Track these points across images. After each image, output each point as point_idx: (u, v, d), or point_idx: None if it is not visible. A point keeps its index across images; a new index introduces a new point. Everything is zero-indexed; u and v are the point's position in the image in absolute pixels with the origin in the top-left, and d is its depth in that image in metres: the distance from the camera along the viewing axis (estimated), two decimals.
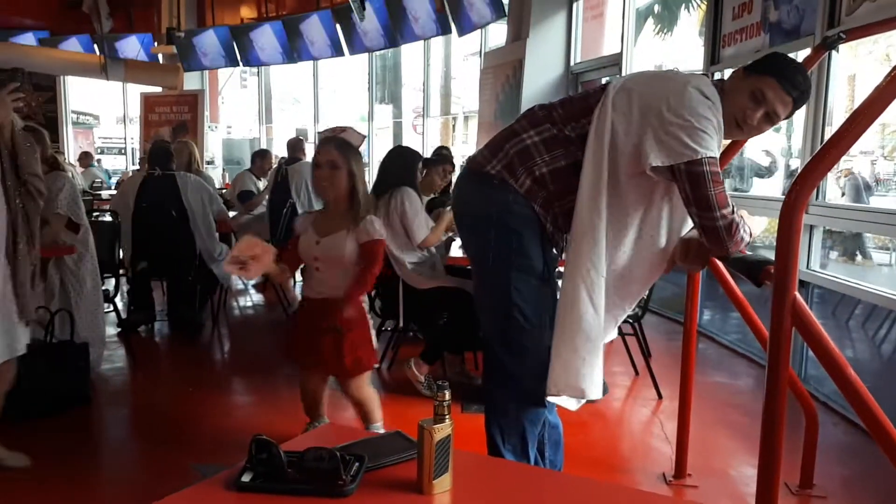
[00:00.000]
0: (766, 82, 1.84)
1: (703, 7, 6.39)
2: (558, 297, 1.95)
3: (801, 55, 3.53)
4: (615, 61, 6.04)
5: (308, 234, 2.51)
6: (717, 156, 1.80)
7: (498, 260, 1.95)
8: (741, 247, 1.85)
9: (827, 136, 3.36)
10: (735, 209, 1.83)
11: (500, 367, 2.00)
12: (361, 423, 2.65)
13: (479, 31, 7.84)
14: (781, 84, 1.83)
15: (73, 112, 12.72)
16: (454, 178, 7.43)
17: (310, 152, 6.99)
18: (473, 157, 2.08)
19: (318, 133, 2.66)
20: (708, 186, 1.76)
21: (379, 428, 2.56)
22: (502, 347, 1.97)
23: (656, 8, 13.16)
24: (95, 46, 10.23)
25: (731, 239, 1.81)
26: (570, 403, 2.02)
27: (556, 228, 1.95)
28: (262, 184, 6.29)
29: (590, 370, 1.90)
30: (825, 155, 1.60)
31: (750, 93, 1.85)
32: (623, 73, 5.94)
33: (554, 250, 2.01)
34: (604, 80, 7.06)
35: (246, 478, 1.22)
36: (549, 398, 1.97)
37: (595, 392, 1.93)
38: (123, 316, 4.70)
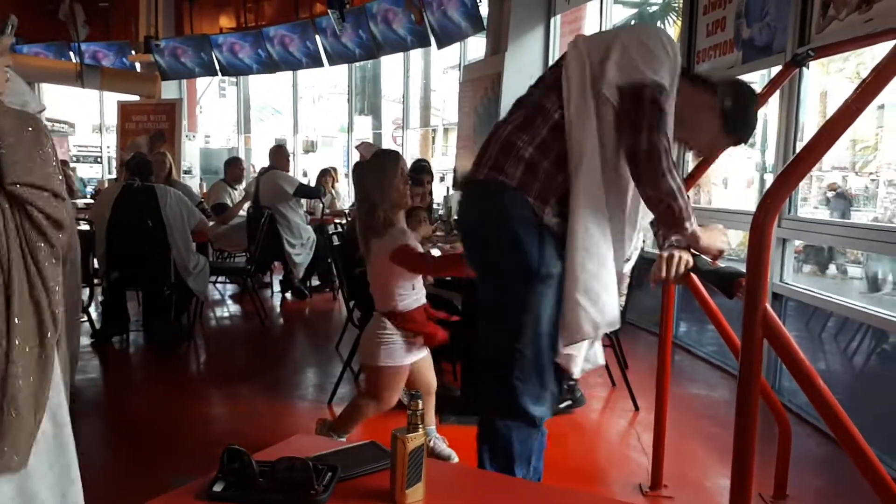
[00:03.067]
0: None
1: (679, 24, 6.50)
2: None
3: (774, 72, 3.60)
4: None
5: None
6: (666, 86, 1.78)
7: (498, 268, 1.90)
8: (682, 216, 1.78)
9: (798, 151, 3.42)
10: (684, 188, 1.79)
11: (496, 382, 1.93)
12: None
13: (458, 44, 7.90)
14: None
15: (48, 120, 12.56)
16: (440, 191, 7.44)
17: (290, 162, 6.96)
18: (464, 173, 2.07)
19: (362, 146, 2.67)
20: (643, 107, 1.74)
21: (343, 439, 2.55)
22: (502, 361, 1.90)
23: (633, 23, 13.37)
24: (71, 54, 10.13)
25: (663, 177, 1.73)
26: (577, 368, 1.98)
27: (557, 220, 1.85)
28: (237, 193, 6.26)
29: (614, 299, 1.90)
30: (794, 168, 1.63)
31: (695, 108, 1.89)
32: None
33: (557, 251, 1.91)
34: None
35: (218, 487, 1.21)
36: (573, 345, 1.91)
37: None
38: (98, 326, 4.64)
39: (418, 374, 2.55)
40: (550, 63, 7.02)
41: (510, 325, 1.87)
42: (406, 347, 2.43)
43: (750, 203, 5.58)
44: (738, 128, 1.93)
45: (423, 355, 2.54)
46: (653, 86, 1.75)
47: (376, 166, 2.45)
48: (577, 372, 1.98)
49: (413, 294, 2.45)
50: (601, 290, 1.85)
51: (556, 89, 1.86)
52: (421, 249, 2.49)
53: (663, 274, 1.88)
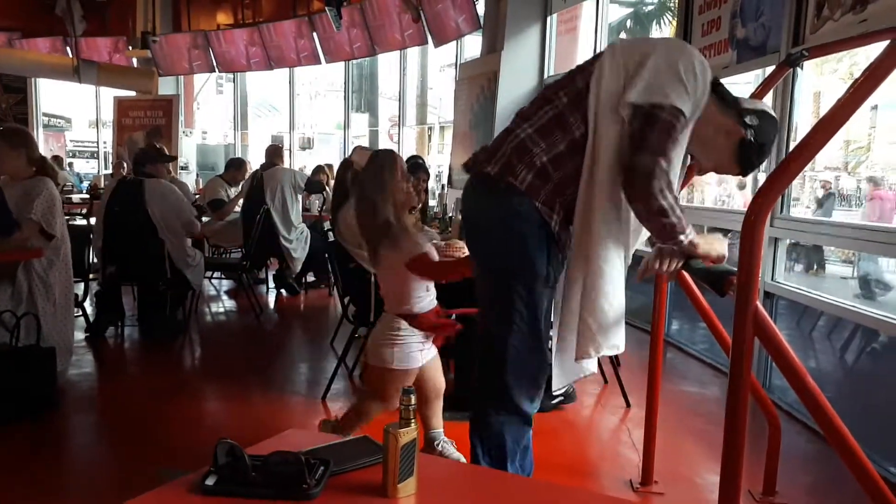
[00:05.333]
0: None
1: (674, 23, 6.52)
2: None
3: (767, 71, 3.62)
4: None
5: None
6: (685, 113, 1.79)
7: (502, 266, 1.91)
8: (675, 231, 1.78)
9: None
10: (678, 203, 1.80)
11: (492, 379, 1.94)
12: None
13: (454, 42, 7.91)
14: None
15: (45, 115, 12.53)
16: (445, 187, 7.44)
17: (287, 160, 6.98)
18: (475, 158, 2.01)
19: (361, 150, 2.61)
20: (654, 129, 1.73)
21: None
22: (499, 358, 1.91)
23: (628, 23, 13.40)
24: (68, 49, 10.11)
25: (653, 197, 1.72)
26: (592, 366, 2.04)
27: (562, 228, 1.88)
28: (233, 191, 6.27)
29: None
30: (786, 168, 1.64)
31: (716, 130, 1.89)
32: None
33: (560, 255, 1.94)
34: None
35: (210, 481, 1.21)
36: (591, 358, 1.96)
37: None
38: (92, 320, 4.65)
39: (427, 377, 2.52)
40: (547, 62, 7.06)
41: (508, 322, 1.88)
42: (419, 348, 2.40)
43: (742, 202, 5.61)
44: (751, 162, 1.93)
45: (432, 357, 2.52)
46: (670, 111, 1.74)
47: (374, 168, 2.39)
48: (565, 381, 2.02)
49: (428, 296, 2.40)
50: (610, 314, 1.88)
51: (584, 99, 1.82)
52: (436, 255, 2.42)
53: (657, 265, 1.88)
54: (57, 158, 10.51)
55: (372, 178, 2.37)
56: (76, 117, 14.04)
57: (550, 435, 3.09)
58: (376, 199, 2.34)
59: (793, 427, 3.20)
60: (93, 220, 5.54)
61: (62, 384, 3.51)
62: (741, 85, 4.71)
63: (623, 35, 13.19)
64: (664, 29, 13.03)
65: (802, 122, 3.61)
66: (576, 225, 1.87)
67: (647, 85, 1.76)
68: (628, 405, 3.48)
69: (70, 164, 12.08)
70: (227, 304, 6.22)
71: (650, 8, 13.43)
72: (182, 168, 9.60)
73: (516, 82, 6.77)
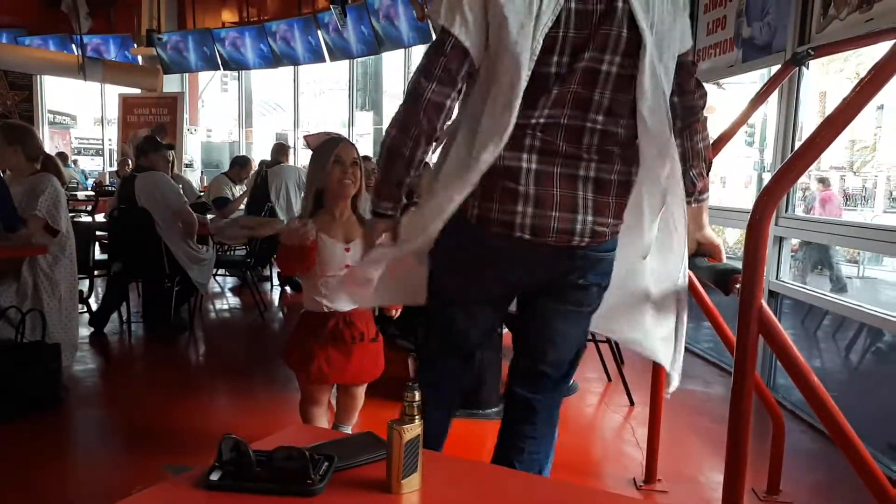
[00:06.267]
0: None
1: None
2: None
3: (772, 70, 3.61)
4: None
5: (328, 241, 2.30)
6: None
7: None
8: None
9: None
10: None
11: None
12: (337, 420, 2.65)
13: None
14: None
15: (50, 112, 12.57)
16: None
17: (293, 157, 6.99)
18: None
19: (310, 136, 2.52)
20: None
21: (348, 430, 2.57)
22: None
23: None
24: (74, 46, 10.14)
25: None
26: None
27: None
28: (237, 189, 6.29)
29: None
30: (791, 167, 1.64)
31: None
32: None
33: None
34: None
35: (215, 476, 1.22)
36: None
37: None
38: (95, 310, 4.67)
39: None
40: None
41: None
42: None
43: (747, 202, 5.60)
44: None
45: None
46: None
47: (315, 153, 2.35)
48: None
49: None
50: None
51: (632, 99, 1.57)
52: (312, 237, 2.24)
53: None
54: (62, 155, 10.54)
55: (311, 163, 2.38)
56: (81, 114, 14.06)
57: None
58: (309, 185, 2.35)
59: (797, 426, 3.19)
60: (99, 217, 5.56)
61: (67, 380, 3.52)
62: (746, 84, 4.70)
63: None
64: None
65: (808, 122, 3.60)
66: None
67: (685, 33, 1.69)
68: (632, 403, 3.48)
69: (75, 161, 12.09)
70: (232, 301, 6.23)
71: None
72: (187, 166, 9.63)
73: None
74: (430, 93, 1.51)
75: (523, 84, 1.50)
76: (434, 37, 1.57)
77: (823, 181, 7.55)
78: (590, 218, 1.59)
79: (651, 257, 1.77)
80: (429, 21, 7.60)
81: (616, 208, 1.63)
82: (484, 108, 1.54)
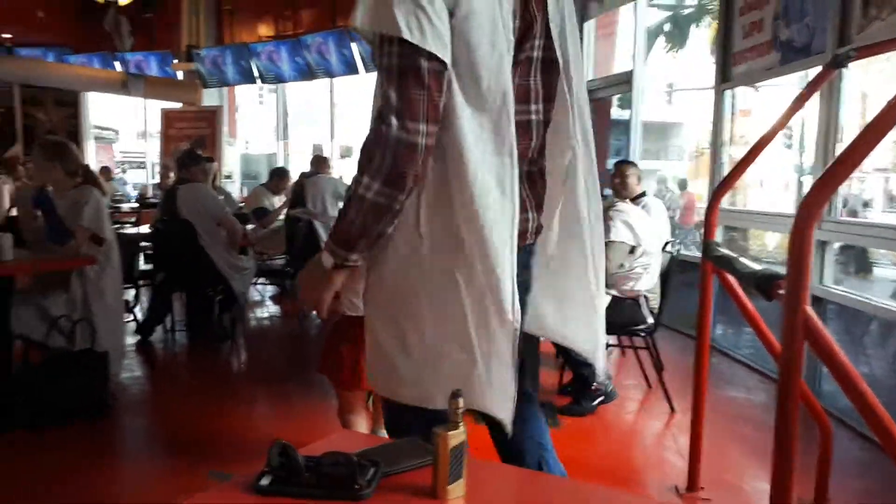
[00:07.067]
0: None
1: (714, 26, 6.44)
2: None
3: (811, 73, 3.55)
4: (626, 79, 6.09)
5: None
6: None
7: None
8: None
9: (838, 153, 3.37)
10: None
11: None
12: (375, 425, 2.68)
13: None
14: None
15: (95, 127, 12.92)
16: None
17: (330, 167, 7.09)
18: None
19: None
20: None
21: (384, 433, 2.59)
22: None
23: (666, 26, 13.26)
24: (117, 63, 10.43)
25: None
26: None
27: None
28: (276, 200, 6.39)
29: None
30: (836, 171, 1.62)
31: None
32: (634, 91, 5.98)
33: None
34: (615, 99, 7.12)
35: (264, 481, 1.25)
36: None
37: None
38: (142, 321, 4.78)
39: None
40: (584, 68, 7.00)
41: None
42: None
43: (786, 205, 5.51)
44: None
45: None
46: None
47: None
48: None
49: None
50: None
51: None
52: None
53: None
54: (106, 169, 10.83)
55: None
56: (124, 129, 14.45)
57: (593, 438, 3.08)
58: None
59: (844, 433, 3.13)
60: (143, 229, 5.70)
61: (114, 388, 3.62)
62: (785, 87, 4.62)
63: (661, 40, 13.08)
64: (703, 32, 12.87)
65: (849, 124, 3.54)
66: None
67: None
68: (673, 410, 3.44)
69: (122, 171, 12.40)
70: (272, 309, 6.33)
71: (689, 11, 13.27)
72: (226, 177, 9.81)
73: None
74: (425, 137, 1.26)
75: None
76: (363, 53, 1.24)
77: None
78: (535, 214, 1.51)
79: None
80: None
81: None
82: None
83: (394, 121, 1.24)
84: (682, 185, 12.03)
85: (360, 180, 1.27)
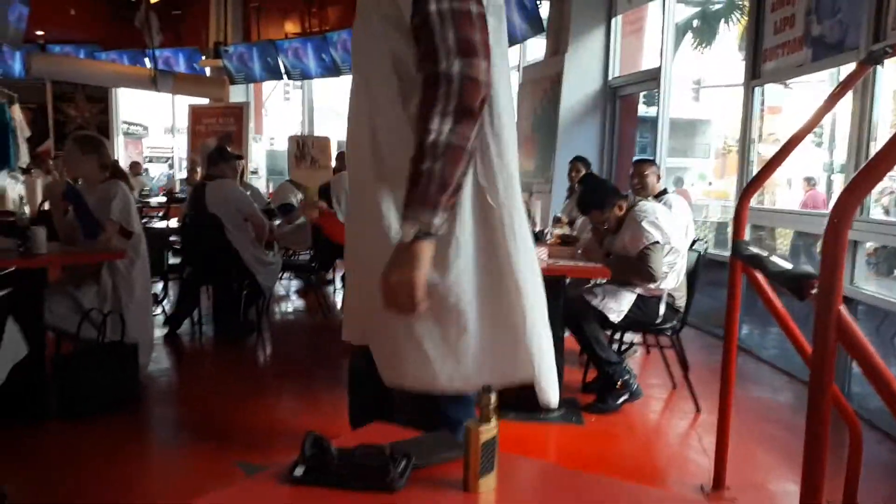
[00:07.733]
0: None
1: (743, 21, 6.37)
2: None
3: (844, 70, 3.51)
4: (654, 76, 6.05)
5: None
6: None
7: None
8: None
9: (871, 152, 3.32)
10: None
11: None
12: None
13: (517, 45, 7.90)
14: None
15: (124, 122, 13.11)
16: None
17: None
18: None
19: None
20: None
21: None
22: None
23: (695, 22, 13.11)
24: (146, 60, 10.57)
25: None
26: None
27: None
28: (302, 195, 6.43)
29: None
30: (871, 170, 1.60)
31: None
32: (661, 88, 5.94)
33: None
34: (642, 96, 7.05)
35: (299, 472, 1.27)
36: None
37: None
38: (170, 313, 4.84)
39: None
40: (611, 63, 6.97)
41: None
42: None
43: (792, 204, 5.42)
44: None
45: None
46: None
47: None
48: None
49: None
50: None
51: None
52: None
53: None
54: (136, 164, 10.98)
55: None
56: (153, 125, 14.64)
57: (617, 438, 3.07)
58: None
59: (874, 436, 3.09)
60: (171, 223, 5.78)
61: (143, 379, 3.68)
62: (815, 83, 4.56)
63: (689, 36, 12.94)
64: (732, 28, 12.71)
65: (882, 122, 3.49)
66: None
67: None
68: (698, 410, 3.42)
69: (147, 169, 12.55)
70: (297, 303, 6.38)
71: (718, 6, 13.12)
72: (252, 173, 9.90)
73: (580, 85, 6.72)
74: (485, 74, 1.28)
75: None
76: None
77: (811, 180, 8.01)
78: None
79: None
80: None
81: None
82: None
83: (455, 59, 1.26)
84: (678, 182, 12.20)
85: (429, 127, 1.25)
